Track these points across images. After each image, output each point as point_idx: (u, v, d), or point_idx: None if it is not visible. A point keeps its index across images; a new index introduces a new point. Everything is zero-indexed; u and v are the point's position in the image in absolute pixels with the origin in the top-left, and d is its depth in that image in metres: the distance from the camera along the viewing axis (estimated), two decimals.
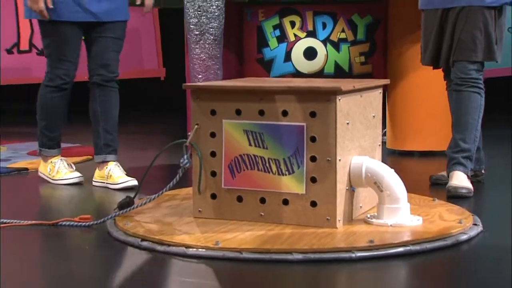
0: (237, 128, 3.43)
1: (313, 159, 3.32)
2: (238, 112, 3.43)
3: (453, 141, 4.35)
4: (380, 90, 3.81)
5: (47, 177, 4.64)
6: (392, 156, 5.85)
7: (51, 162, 4.64)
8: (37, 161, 5.49)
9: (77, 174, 4.62)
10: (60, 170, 4.59)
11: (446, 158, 4.42)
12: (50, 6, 4.25)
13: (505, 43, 4.32)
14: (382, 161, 4.12)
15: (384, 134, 6.08)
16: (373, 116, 3.71)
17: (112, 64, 4.59)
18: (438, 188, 4.45)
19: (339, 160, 3.30)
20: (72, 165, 4.70)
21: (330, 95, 3.27)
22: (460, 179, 4.23)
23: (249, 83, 3.60)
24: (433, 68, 4.52)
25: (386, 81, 3.85)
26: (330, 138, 3.29)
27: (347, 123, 3.37)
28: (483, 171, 4.62)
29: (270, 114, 3.38)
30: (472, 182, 4.31)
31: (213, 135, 3.48)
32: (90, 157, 5.02)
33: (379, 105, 3.81)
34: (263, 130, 3.39)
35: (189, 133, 3.51)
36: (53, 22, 4.38)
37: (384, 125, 5.94)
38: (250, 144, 3.41)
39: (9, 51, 8.86)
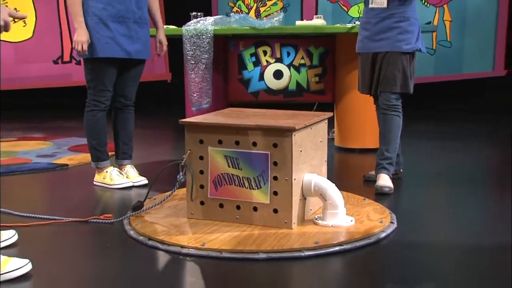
0: (219, 154, 3.46)
1: (275, 178, 3.35)
2: (220, 142, 3.44)
3: (380, 150, 4.41)
4: (326, 121, 3.82)
5: (103, 184, 4.49)
6: (338, 152, 5.89)
7: (106, 171, 4.50)
8: (75, 156, 5.55)
9: (127, 180, 4.50)
10: (113, 178, 4.47)
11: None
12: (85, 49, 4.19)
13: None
14: (331, 156, 4.17)
15: (333, 133, 6.15)
16: (320, 141, 3.74)
17: (130, 95, 4.55)
18: (369, 184, 4.49)
19: (294, 179, 3.34)
20: (121, 173, 4.56)
21: (287, 131, 3.30)
22: (384, 180, 4.31)
23: (228, 119, 3.59)
24: (369, 95, 4.56)
25: (329, 114, 3.84)
26: (288, 163, 3.32)
27: (300, 151, 3.40)
28: (401, 170, 4.69)
29: (244, 144, 3.40)
30: (393, 181, 4.38)
31: (201, 158, 3.50)
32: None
33: (325, 132, 3.82)
34: (238, 156, 3.41)
35: (184, 156, 3.53)
36: (98, 59, 4.28)
37: (333, 126, 6.03)
38: (228, 166, 3.44)
39: (55, 62, 8.90)
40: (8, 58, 8.38)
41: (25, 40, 8.70)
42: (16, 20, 2.74)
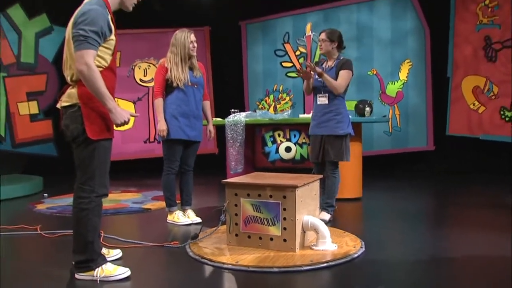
0: (248, 203, 3.46)
1: (284, 218, 3.35)
2: (248, 194, 3.45)
3: (323, 199, 4.44)
4: (318, 181, 3.81)
5: (173, 222, 4.47)
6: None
7: (175, 213, 4.50)
8: (156, 203, 5.53)
9: (188, 220, 4.46)
10: (179, 218, 4.46)
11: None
12: (165, 134, 4.30)
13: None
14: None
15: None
16: (315, 194, 3.73)
17: (191, 163, 4.56)
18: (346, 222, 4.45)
19: (297, 219, 3.33)
20: (184, 214, 4.52)
21: (293, 188, 3.31)
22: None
23: (254, 180, 3.59)
24: (317, 163, 4.53)
25: (320, 176, 3.86)
26: (293, 209, 3.32)
27: (301, 201, 3.40)
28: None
29: (264, 196, 3.41)
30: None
31: (236, 205, 3.50)
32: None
33: (318, 188, 3.80)
34: (260, 204, 3.42)
35: (225, 204, 3.54)
36: (171, 140, 4.35)
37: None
38: (254, 210, 3.44)
39: (145, 142, 8.99)
40: (116, 140, 8.53)
41: (127, 129, 8.86)
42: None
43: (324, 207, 4.44)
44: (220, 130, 5.93)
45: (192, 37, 4.38)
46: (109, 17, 2.82)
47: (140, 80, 9.03)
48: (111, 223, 4.56)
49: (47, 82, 8.50)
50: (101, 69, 2.79)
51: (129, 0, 2.99)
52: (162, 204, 5.17)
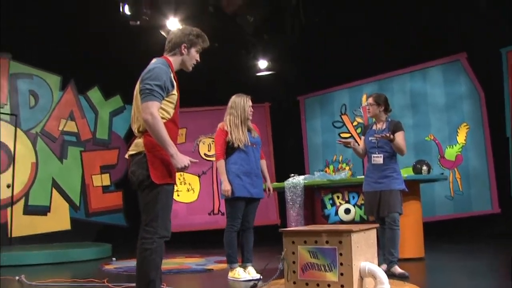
0: (305, 250, 3.43)
1: (341, 264, 3.28)
2: (305, 242, 3.43)
3: (389, 252, 4.48)
4: (375, 230, 3.73)
5: (234, 278, 4.47)
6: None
7: (235, 270, 4.51)
8: (217, 265, 5.53)
9: (248, 276, 4.46)
10: (240, 274, 4.47)
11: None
12: (229, 194, 4.42)
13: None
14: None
15: None
16: (371, 242, 3.64)
17: (251, 221, 4.62)
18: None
19: (354, 265, 3.26)
20: (245, 271, 4.52)
21: (348, 233, 3.28)
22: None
23: (310, 228, 3.59)
24: (375, 218, 4.62)
25: (376, 225, 3.79)
26: (349, 254, 3.26)
27: (357, 246, 3.34)
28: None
29: (320, 242, 3.38)
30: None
31: (293, 253, 3.47)
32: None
33: (375, 236, 3.72)
34: (317, 250, 3.38)
35: (283, 252, 3.53)
36: (234, 198, 4.45)
37: None
38: (311, 257, 3.40)
39: (209, 214, 9.12)
40: (182, 212, 8.75)
41: (192, 201, 9.08)
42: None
43: (391, 260, 4.40)
44: (281, 201, 5.96)
45: (250, 101, 4.65)
46: (172, 75, 3.07)
47: (205, 154, 9.36)
48: (173, 280, 4.60)
49: (118, 156, 9.00)
50: (164, 120, 2.99)
51: (189, 61, 3.24)
52: (225, 265, 5.17)
